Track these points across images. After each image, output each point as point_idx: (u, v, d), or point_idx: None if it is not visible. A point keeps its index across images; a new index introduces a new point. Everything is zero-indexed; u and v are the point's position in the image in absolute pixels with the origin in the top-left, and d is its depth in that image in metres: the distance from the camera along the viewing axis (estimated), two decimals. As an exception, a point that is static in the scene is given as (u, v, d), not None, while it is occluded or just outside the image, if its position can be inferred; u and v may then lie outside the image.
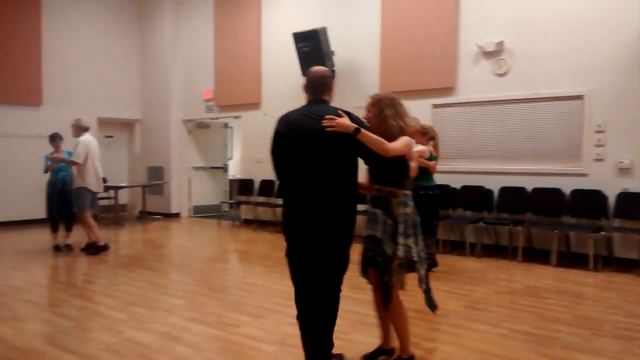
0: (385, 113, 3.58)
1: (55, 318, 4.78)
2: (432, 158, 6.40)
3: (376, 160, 3.36)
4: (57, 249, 8.13)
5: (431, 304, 3.76)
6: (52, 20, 11.42)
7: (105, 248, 8.04)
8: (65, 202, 8.13)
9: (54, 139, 8.34)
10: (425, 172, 6.29)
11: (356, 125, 3.27)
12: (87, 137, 8.05)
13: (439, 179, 8.24)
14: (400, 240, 3.48)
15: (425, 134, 6.41)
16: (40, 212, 11.17)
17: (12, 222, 10.69)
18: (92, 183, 7.94)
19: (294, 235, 3.37)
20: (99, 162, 8.15)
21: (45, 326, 4.54)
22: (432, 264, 6.44)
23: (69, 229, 8.25)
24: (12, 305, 5.22)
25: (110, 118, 12.56)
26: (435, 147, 6.53)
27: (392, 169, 3.48)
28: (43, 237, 9.60)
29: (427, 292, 3.69)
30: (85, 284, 6.10)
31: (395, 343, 3.80)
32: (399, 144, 3.40)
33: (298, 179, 3.30)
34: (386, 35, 8.97)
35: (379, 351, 3.86)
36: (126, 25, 12.79)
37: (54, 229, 8.21)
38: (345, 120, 3.28)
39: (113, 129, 13.05)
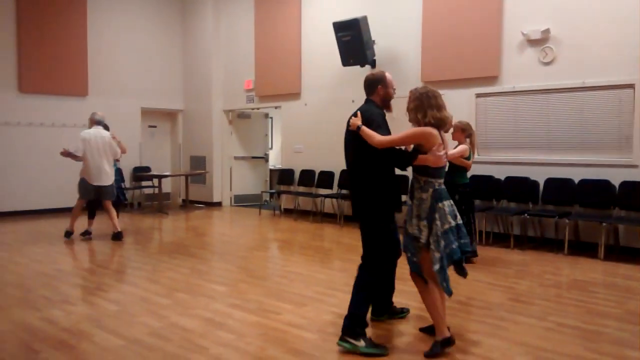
0: (409, 106, 3.87)
1: (103, 302, 4.90)
2: (470, 156, 6.48)
3: (379, 152, 3.74)
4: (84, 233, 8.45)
5: (446, 289, 3.76)
6: (97, 13, 11.66)
7: (68, 234, 8.22)
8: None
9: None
10: (461, 170, 6.46)
11: (359, 124, 3.77)
12: (88, 131, 8.32)
13: (482, 169, 8.17)
14: (414, 221, 3.76)
15: (465, 131, 6.49)
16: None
17: (61, 209, 10.99)
18: (90, 175, 8.12)
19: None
20: (101, 155, 8.27)
21: (93, 310, 4.66)
22: (473, 255, 6.60)
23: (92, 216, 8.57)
24: (62, 289, 5.38)
25: (153, 108, 12.78)
26: (472, 144, 6.60)
27: (392, 159, 3.81)
28: (95, 224, 9.85)
29: (441, 272, 3.69)
30: (130, 270, 6.23)
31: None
32: (394, 136, 3.72)
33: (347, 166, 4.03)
34: (428, 23, 8.83)
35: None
36: (169, 17, 12.97)
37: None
38: (356, 120, 3.83)
39: (156, 119, 13.28)
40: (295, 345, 3.83)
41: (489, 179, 8.12)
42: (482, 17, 8.22)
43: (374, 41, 9.30)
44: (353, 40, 9.06)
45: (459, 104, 8.51)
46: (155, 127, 13.30)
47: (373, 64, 9.45)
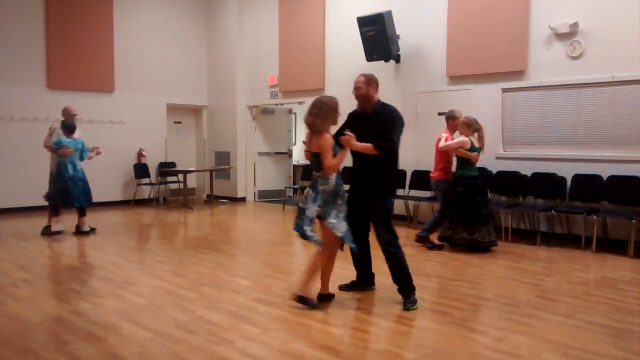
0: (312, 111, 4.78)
1: (130, 295, 4.97)
2: (475, 149, 6.87)
3: None
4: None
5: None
6: (123, 11, 11.79)
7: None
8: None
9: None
10: (468, 162, 6.87)
11: None
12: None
13: (508, 165, 8.08)
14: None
15: (470, 126, 6.89)
16: (113, 194, 11.73)
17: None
18: None
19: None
20: None
21: (121, 303, 4.73)
22: (481, 249, 6.90)
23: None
24: (90, 282, 5.47)
25: (178, 104, 12.89)
26: (480, 138, 6.98)
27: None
28: (116, 218, 10.02)
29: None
30: (157, 264, 6.30)
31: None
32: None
33: None
34: (453, 18, 8.75)
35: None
36: (194, 14, 13.06)
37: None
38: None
39: (181, 115, 13.40)
40: (319, 339, 3.84)
41: (515, 175, 8.02)
42: (509, 11, 8.11)
43: (398, 36, 9.25)
44: (377, 35, 9.02)
45: (484, 99, 8.44)
46: (180, 122, 13.42)
47: (397, 59, 9.41)
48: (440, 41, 8.93)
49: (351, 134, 4.55)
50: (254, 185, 12.89)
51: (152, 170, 12.28)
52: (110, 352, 3.62)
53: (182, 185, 11.90)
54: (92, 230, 8.30)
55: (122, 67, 11.78)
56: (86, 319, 4.29)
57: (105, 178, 11.53)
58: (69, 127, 8.05)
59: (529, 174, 7.94)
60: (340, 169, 4.73)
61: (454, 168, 7.24)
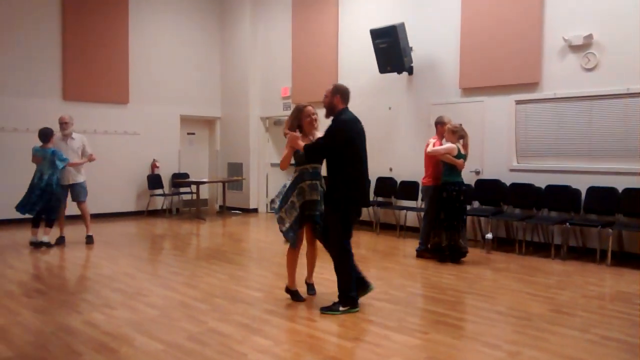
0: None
1: (143, 306, 4.98)
2: (460, 156, 6.99)
3: None
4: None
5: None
6: (138, 24, 11.93)
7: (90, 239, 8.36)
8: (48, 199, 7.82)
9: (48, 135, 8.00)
10: (453, 169, 7.00)
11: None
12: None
13: (522, 177, 8.03)
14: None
15: (455, 133, 7.01)
16: (127, 205, 11.81)
17: (101, 214, 11.25)
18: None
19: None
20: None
21: (133, 314, 4.74)
22: (461, 255, 7.02)
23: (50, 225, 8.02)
24: (103, 293, 5.49)
25: (192, 116, 12.98)
26: (465, 145, 7.10)
27: None
28: (129, 228, 10.07)
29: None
30: (169, 275, 6.32)
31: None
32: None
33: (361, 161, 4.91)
34: (466, 30, 8.74)
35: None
36: (207, 27, 13.17)
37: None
38: None
39: (195, 126, 13.48)
40: (331, 352, 3.82)
41: (529, 187, 7.97)
42: (522, 22, 8.09)
43: (411, 48, 9.26)
44: (390, 47, 9.04)
45: (498, 111, 8.41)
46: (193, 134, 13.50)
47: (410, 71, 9.42)
48: (453, 53, 8.93)
49: (296, 134, 4.97)
50: (266, 196, 12.90)
51: (166, 181, 12.35)
52: (122, 363, 3.63)
53: (194, 196, 11.94)
54: (43, 244, 7.88)
55: (137, 78, 11.90)
56: (99, 330, 4.30)
57: (118, 189, 11.63)
58: (41, 135, 7.88)
59: (543, 186, 7.87)
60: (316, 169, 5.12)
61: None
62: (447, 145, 7.04)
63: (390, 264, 6.99)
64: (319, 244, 5.36)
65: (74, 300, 5.24)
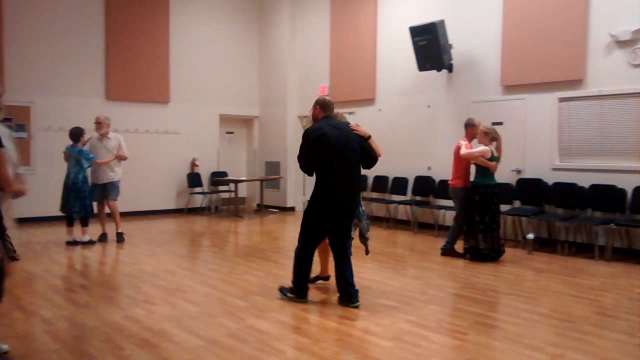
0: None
1: (183, 303, 5.06)
2: (493, 158, 7.00)
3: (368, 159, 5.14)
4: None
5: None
6: (178, 25, 12.11)
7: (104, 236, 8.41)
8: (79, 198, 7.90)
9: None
10: (486, 171, 7.01)
11: (369, 134, 5.12)
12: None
13: (565, 177, 7.85)
14: None
15: (488, 135, 7.04)
16: (167, 203, 12.01)
17: (142, 212, 11.48)
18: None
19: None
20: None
21: (174, 310, 4.81)
22: (498, 254, 7.04)
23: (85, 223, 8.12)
24: (144, 288, 5.59)
25: (230, 115, 13.11)
26: (498, 148, 7.12)
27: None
28: (169, 226, 10.23)
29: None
30: (208, 272, 6.39)
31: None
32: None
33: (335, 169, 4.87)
34: (508, 26, 8.57)
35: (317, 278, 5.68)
36: (246, 27, 13.28)
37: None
38: (363, 129, 5.11)
39: (233, 126, 13.62)
40: (370, 352, 3.80)
41: (572, 186, 7.78)
42: (567, 18, 7.90)
43: (451, 45, 9.14)
44: (430, 45, 8.95)
45: (540, 109, 8.24)
46: (232, 133, 13.64)
47: (450, 69, 9.30)
48: (494, 49, 8.77)
49: None
50: (303, 194, 12.94)
51: (205, 180, 12.51)
52: (163, 358, 3.68)
53: (233, 195, 12.06)
54: (83, 243, 8.02)
55: (177, 78, 12.08)
56: (140, 325, 4.38)
57: (159, 187, 11.84)
58: (71, 134, 7.98)
59: (586, 186, 7.67)
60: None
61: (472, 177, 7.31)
62: (481, 148, 7.03)
63: (428, 264, 6.92)
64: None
65: (117, 296, 5.35)
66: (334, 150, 4.83)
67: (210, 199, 12.63)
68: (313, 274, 5.46)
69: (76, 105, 10.71)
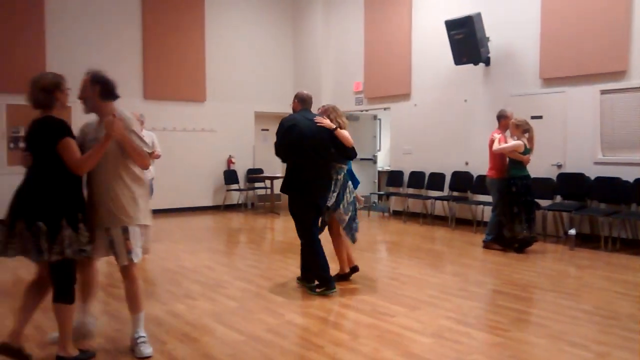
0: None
1: (222, 298, 5.11)
2: (527, 151, 7.07)
3: (344, 150, 5.34)
4: None
5: (352, 237, 5.69)
6: (213, 24, 12.22)
7: None
8: None
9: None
10: (519, 163, 7.09)
11: (335, 126, 5.29)
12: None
13: (608, 171, 7.65)
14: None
15: (519, 127, 7.07)
16: (204, 200, 12.15)
17: (180, 209, 11.64)
18: None
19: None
20: None
21: (213, 305, 4.87)
22: (528, 242, 7.16)
23: None
24: (185, 284, 5.67)
25: (265, 112, 13.17)
26: (530, 139, 7.14)
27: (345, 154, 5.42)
28: (207, 222, 10.36)
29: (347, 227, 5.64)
30: (246, 268, 6.45)
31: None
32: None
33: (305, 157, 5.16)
34: (547, 17, 8.38)
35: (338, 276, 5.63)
36: (281, 24, 13.33)
37: None
38: (328, 122, 5.31)
39: (268, 122, 13.67)
40: (410, 348, 3.77)
41: (615, 181, 7.57)
42: (608, 7, 7.66)
43: (488, 38, 8.99)
44: (466, 38, 8.82)
45: (581, 102, 8.04)
46: (267, 130, 13.70)
47: (487, 62, 9.15)
48: (533, 41, 8.59)
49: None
50: (339, 191, 12.92)
51: (241, 177, 12.63)
52: (204, 353, 3.73)
53: (269, 191, 12.13)
54: None
55: (213, 77, 12.21)
56: (181, 319, 4.45)
57: (196, 184, 11.99)
58: None
59: (631, 180, 7.46)
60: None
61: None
62: (514, 142, 7.06)
63: (467, 260, 6.84)
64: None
65: (158, 291, 5.44)
66: (304, 139, 5.12)
67: (246, 195, 12.74)
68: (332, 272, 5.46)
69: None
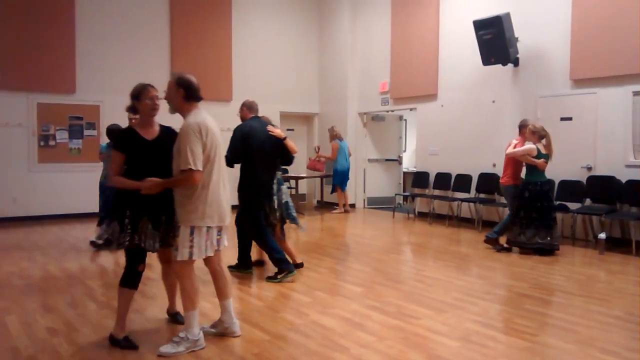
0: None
1: (248, 297, 5.13)
2: (542, 156, 7.08)
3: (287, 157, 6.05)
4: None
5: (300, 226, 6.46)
6: (240, 25, 12.30)
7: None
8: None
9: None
10: (534, 169, 7.12)
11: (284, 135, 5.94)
12: None
13: (638, 174, 7.50)
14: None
15: (535, 133, 7.12)
16: (232, 198, 12.17)
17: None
18: None
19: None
20: None
21: (238, 304, 4.88)
22: (553, 249, 7.13)
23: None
24: (211, 283, 5.68)
25: (291, 112, 13.21)
26: (547, 145, 7.17)
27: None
28: (232, 221, 10.37)
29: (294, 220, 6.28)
30: (272, 267, 6.43)
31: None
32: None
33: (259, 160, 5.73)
34: (578, 16, 8.22)
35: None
36: (307, 24, 13.35)
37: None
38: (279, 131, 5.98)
39: (293, 122, 13.72)
40: (436, 351, 3.73)
41: (647, 184, 7.41)
42: (642, 8, 7.51)
43: (517, 38, 8.87)
44: (495, 39, 8.71)
45: (612, 103, 7.88)
46: (292, 130, 13.73)
47: (516, 63, 9.03)
48: (563, 42, 8.44)
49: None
50: (364, 192, 12.90)
51: (266, 176, 12.64)
52: (230, 351, 3.75)
53: (294, 191, 12.15)
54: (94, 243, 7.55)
55: (239, 77, 12.28)
56: (207, 318, 4.47)
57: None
58: (108, 131, 7.47)
59: (664, 184, 7.29)
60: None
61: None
62: (526, 146, 7.16)
63: (493, 263, 6.76)
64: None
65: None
66: (259, 144, 5.70)
67: (275, 195, 12.75)
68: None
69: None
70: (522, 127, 7.47)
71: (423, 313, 4.60)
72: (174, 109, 3.99)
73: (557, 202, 8.19)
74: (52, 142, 10.38)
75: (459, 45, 10.11)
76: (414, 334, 4.09)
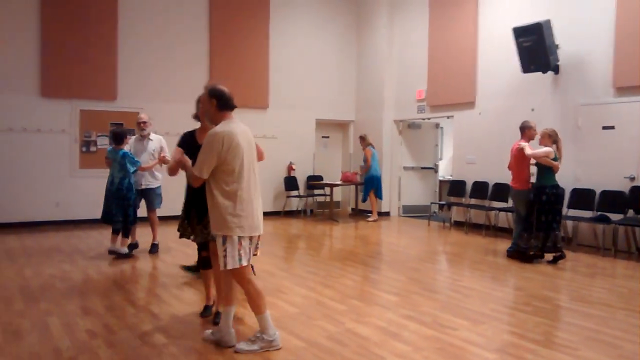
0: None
1: (283, 304, 5.15)
2: (556, 159, 7.15)
3: None
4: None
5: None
6: (277, 33, 12.40)
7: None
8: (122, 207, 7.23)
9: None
10: (548, 173, 7.16)
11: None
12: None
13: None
14: None
15: (551, 137, 7.22)
16: (265, 205, 12.26)
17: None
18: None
19: None
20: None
21: (274, 310, 4.88)
22: (560, 256, 7.18)
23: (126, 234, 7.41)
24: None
25: (326, 119, 13.25)
26: (559, 149, 7.25)
27: None
28: (267, 228, 10.38)
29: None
30: (306, 274, 6.46)
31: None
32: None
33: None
34: (622, 23, 8.03)
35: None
36: (344, 32, 13.38)
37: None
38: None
39: (329, 130, 13.75)
40: (473, 363, 3.68)
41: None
42: (689, 14, 7.29)
43: (557, 45, 8.71)
44: (534, 46, 8.58)
45: (657, 112, 7.66)
46: (328, 137, 13.77)
47: (556, 70, 8.87)
48: (606, 49, 8.26)
49: None
50: (399, 200, 12.82)
51: (301, 183, 12.71)
52: (265, 357, 3.76)
53: (328, 199, 12.16)
54: (118, 253, 7.27)
55: (276, 84, 12.37)
56: (243, 323, 4.50)
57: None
58: (113, 135, 7.32)
59: None
60: None
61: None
62: (546, 148, 7.18)
63: (531, 274, 6.63)
64: None
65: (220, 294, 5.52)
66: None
67: (306, 202, 12.82)
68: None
69: (182, 111, 11.10)
70: (525, 128, 7.55)
71: (459, 324, 4.55)
72: (210, 121, 4.15)
73: (598, 213, 8.02)
74: (93, 148, 10.63)
75: (497, 52, 9.99)
76: (450, 344, 4.04)
